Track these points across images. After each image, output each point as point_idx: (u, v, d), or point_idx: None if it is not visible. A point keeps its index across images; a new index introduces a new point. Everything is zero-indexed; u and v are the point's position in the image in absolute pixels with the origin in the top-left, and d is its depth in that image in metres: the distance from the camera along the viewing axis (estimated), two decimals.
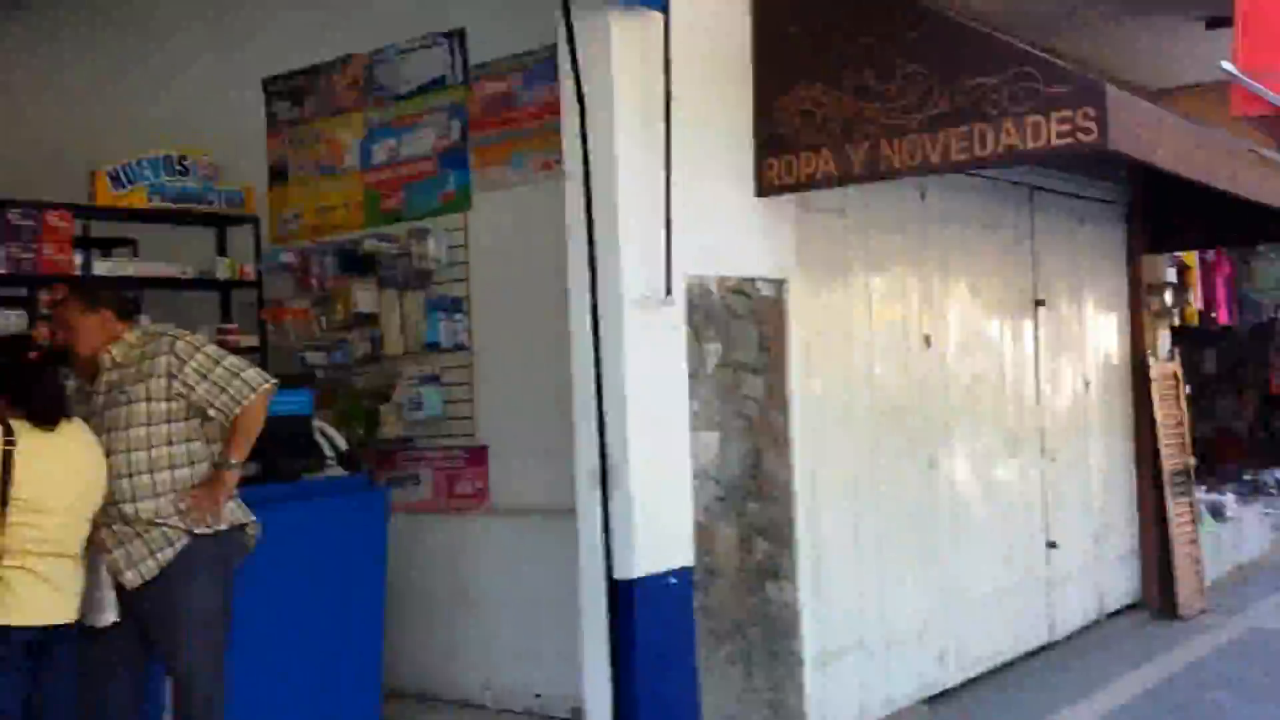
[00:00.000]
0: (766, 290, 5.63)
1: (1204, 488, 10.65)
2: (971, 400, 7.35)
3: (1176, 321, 10.08)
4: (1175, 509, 9.21)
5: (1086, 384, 8.67)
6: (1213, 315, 11.15)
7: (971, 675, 7.19)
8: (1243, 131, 6.93)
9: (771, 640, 5.54)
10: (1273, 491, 12.44)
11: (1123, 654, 8.02)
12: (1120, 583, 8.97)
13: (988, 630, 7.35)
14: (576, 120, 4.97)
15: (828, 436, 6.11)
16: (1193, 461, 10.14)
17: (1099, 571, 8.65)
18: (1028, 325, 7.96)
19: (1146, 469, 9.22)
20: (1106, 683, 7.34)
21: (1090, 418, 8.68)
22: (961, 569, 7.12)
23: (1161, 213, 9.20)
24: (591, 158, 4.93)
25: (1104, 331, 8.93)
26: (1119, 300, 9.15)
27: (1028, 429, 7.91)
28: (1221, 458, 13.12)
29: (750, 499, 5.47)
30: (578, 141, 4.97)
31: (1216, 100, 6.63)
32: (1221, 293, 11.20)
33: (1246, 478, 12.63)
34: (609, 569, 4.84)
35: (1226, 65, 6.02)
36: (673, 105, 5.03)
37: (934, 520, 6.91)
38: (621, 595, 4.83)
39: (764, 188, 5.57)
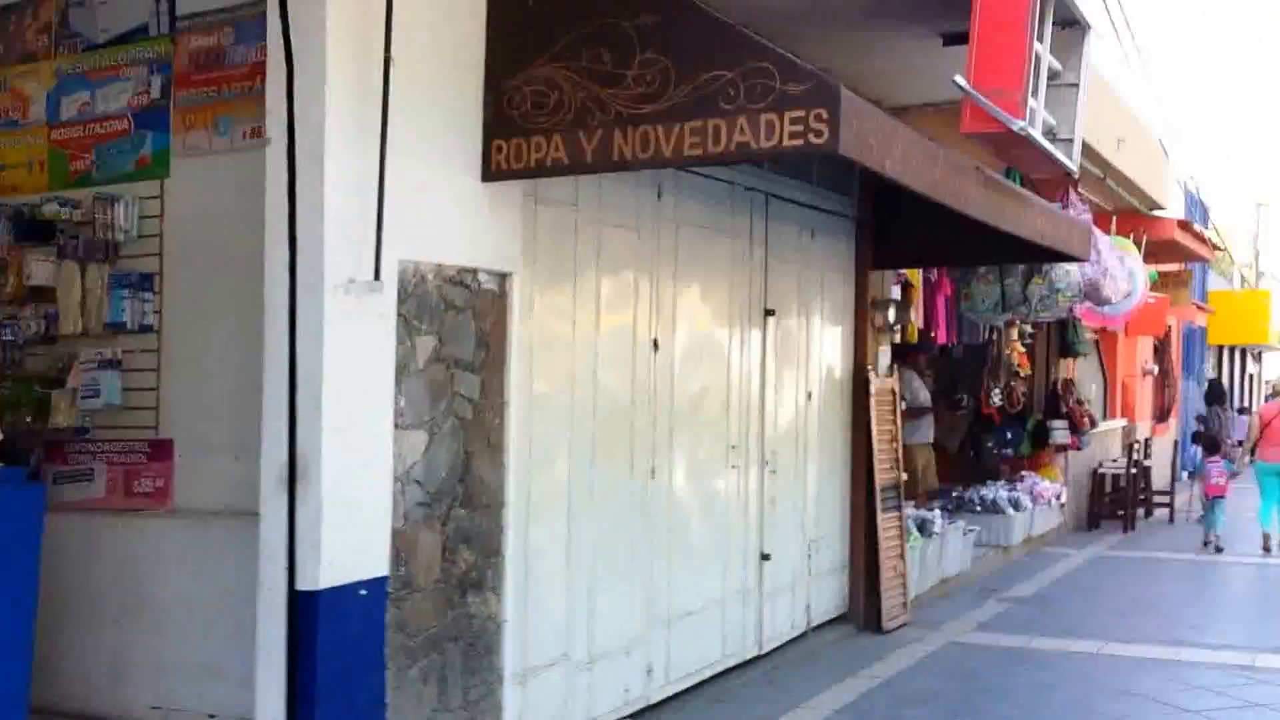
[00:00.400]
0: (489, 282, 5.27)
1: (913, 503, 10.89)
2: (696, 408, 7.18)
3: (898, 338, 10.24)
4: (884, 523, 9.33)
5: (809, 396, 8.66)
6: (932, 334, 11.41)
7: (679, 689, 7.01)
8: (973, 154, 7.00)
9: (471, 656, 5.18)
10: (978, 509, 12.89)
11: (827, 667, 8.03)
12: (828, 595, 9.01)
13: (698, 643, 7.19)
14: (283, 80, 4.49)
15: (546, 441, 5.80)
16: (904, 477, 10.37)
17: (809, 584, 8.66)
18: (756, 334, 7.86)
19: (861, 483, 9.31)
20: (810, 697, 7.31)
21: (810, 430, 8.68)
22: (675, 580, 6.93)
23: (889, 229, 9.32)
24: (298, 123, 4.47)
25: (829, 345, 8.96)
26: (845, 314, 9.19)
27: (751, 439, 7.81)
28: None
29: (457, 505, 5.09)
30: (283, 104, 4.49)
31: (949, 121, 6.66)
32: (941, 312, 11.46)
33: (955, 494, 13.07)
34: (291, 578, 4.38)
35: (959, 80, 6.03)
36: (393, 73, 4.62)
37: (651, 530, 6.70)
38: (303, 608, 4.37)
39: (491, 172, 5.21)
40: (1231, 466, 14.93)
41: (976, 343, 12.81)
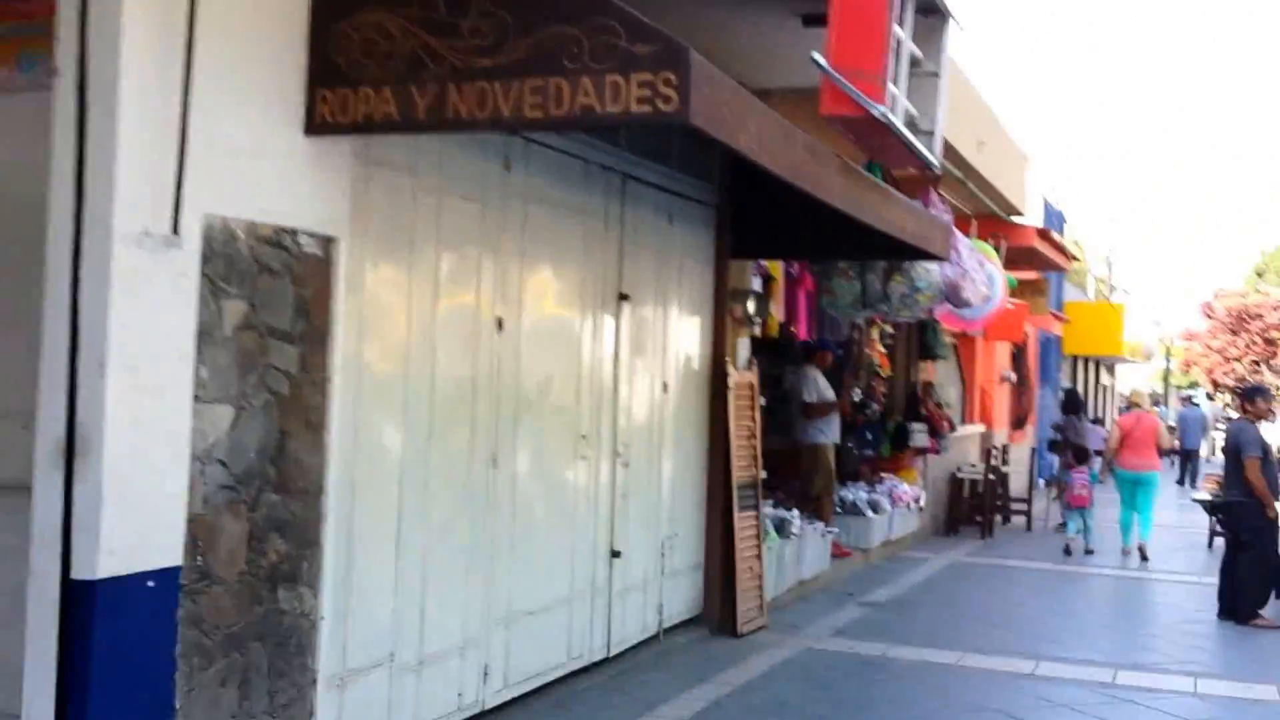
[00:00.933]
0: (311, 246, 4.81)
1: (772, 502, 10.66)
2: (544, 394, 6.80)
3: (758, 332, 10.00)
4: (741, 523, 9.05)
5: (665, 387, 8.34)
6: (792, 330, 11.20)
7: (519, 694, 6.61)
8: (835, 148, 6.75)
9: (280, 656, 4.71)
10: (837, 510, 12.72)
11: (678, 673, 7.70)
12: (682, 596, 8.70)
13: (541, 645, 6.80)
14: (76, 4, 3.99)
15: (375, 422, 5.36)
16: (762, 475, 10.13)
17: (662, 583, 8.33)
18: (609, 320, 7.50)
19: (717, 480, 9.02)
20: (658, 704, 6.97)
21: (666, 423, 8.36)
22: (518, 576, 6.53)
23: (750, 219, 9.06)
24: (91, 53, 3.97)
25: (686, 334, 8.65)
26: (704, 304, 8.90)
27: (602, 430, 7.45)
28: (793, 474, 13.39)
29: (269, 489, 4.63)
30: (75, 31, 3.99)
31: (812, 111, 6.39)
32: (803, 307, 11.28)
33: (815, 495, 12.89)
34: (66, 565, 3.88)
35: (818, 57, 5.76)
36: (202, 5, 4.15)
37: (492, 522, 6.29)
38: (79, 599, 3.88)
39: (315, 124, 4.75)
40: (1096, 477, 15.10)
41: (838, 340, 12.64)
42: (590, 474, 7.33)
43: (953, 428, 15.70)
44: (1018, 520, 17.57)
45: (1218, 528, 16.03)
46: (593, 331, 7.29)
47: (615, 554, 7.60)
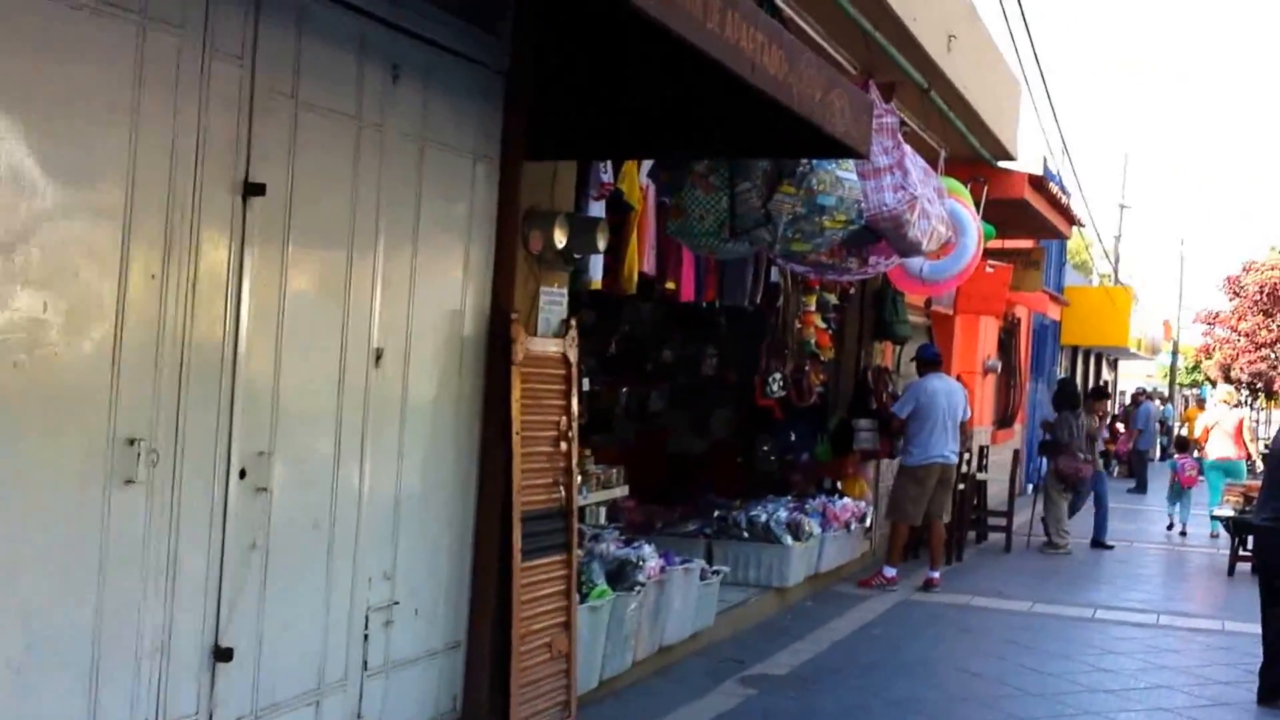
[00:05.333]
0: None
1: (616, 532, 7.29)
2: (33, 367, 3.41)
3: (597, 281, 6.59)
4: (528, 575, 5.67)
5: (378, 356, 4.95)
6: (668, 285, 7.76)
7: None
8: None
9: None
10: (744, 535, 9.37)
11: None
12: (418, 698, 5.33)
13: None
14: None
15: None
16: (618, 492, 6.97)
17: (363, 686, 4.95)
18: (215, 229, 4.09)
19: (492, 508, 5.64)
20: None
21: (379, 415, 4.96)
22: None
23: (559, 98, 5.68)
24: None
25: (430, 273, 5.24)
26: (474, 227, 5.50)
27: (190, 424, 4.03)
28: (699, 486, 10.11)
29: None
30: None
31: None
32: (688, 254, 7.81)
33: (717, 515, 9.57)
34: None
35: None
36: None
37: None
38: None
39: None
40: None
41: (745, 305, 9.09)
42: (154, 511, 3.91)
43: None
44: (995, 537, 14.26)
45: (1242, 551, 12.78)
46: (160, 247, 3.87)
47: (223, 654, 4.19)
